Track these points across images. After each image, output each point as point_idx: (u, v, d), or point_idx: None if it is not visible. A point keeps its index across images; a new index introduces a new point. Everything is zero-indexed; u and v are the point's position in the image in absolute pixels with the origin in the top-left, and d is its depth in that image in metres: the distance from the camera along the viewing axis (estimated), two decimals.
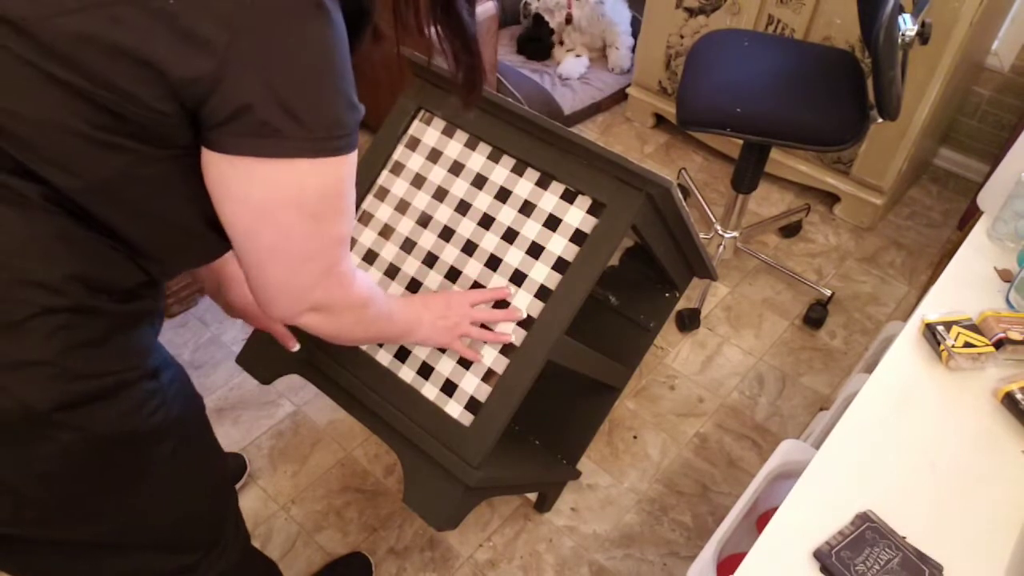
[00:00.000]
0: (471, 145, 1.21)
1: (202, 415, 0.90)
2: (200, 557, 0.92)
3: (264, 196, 0.66)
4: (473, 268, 1.17)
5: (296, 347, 1.13)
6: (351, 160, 0.69)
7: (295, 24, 0.61)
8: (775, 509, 0.93)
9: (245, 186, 0.66)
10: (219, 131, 0.63)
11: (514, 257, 1.15)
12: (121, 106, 0.60)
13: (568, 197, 1.14)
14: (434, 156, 1.24)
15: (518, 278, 1.14)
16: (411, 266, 1.20)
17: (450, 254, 1.19)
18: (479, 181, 1.20)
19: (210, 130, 0.63)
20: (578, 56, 2.73)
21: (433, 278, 1.18)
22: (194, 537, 0.91)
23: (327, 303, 0.79)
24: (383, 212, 1.25)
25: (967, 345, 1.09)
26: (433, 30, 0.74)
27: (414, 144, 1.25)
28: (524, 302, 1.12)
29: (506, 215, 1.17)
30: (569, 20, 2.73)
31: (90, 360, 0.68)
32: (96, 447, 0.71)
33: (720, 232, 2.12)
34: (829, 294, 2.06)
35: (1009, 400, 1.04)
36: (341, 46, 0.65)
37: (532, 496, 1.62)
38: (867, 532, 0.89)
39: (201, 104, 0.61)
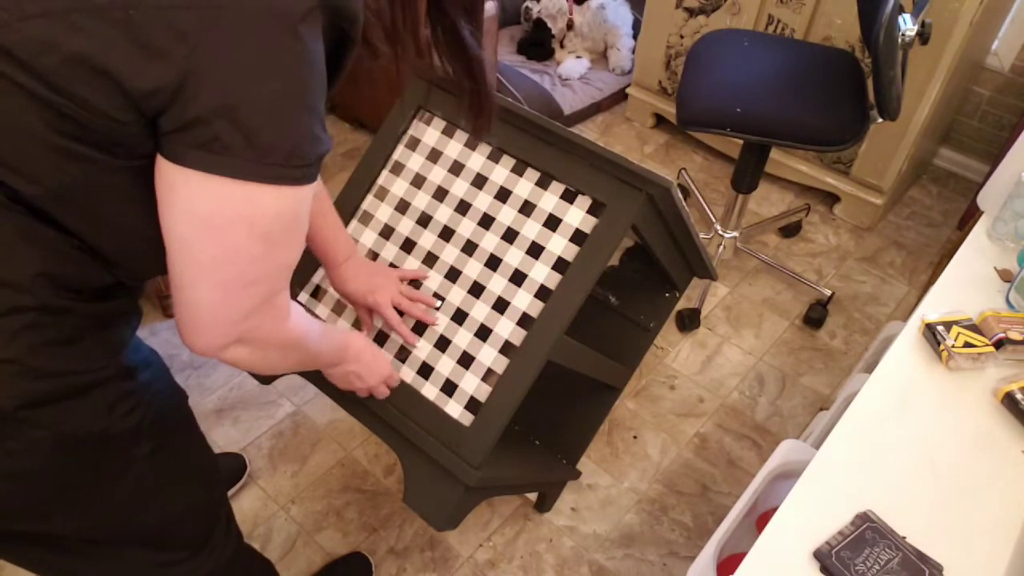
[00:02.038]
0: (471, 145, 1.21)
1: (185, 415, 0.89)
2: (188, 555, 0.92)
3: (211, 211, 0.64)
4: (473, 268, 1.17)
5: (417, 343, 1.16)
6: (306, 192, 0.67)
7: (264, 47, 0.59)
8: (775, 509, 0.93)
9: (192, 199, 0.63)
10: (172, 138, 0.62)
11: (514, 257, 1.15)
12: (81, 114, 0.60)
13: (568, 197, 1.14)
14: (434, 156, 1.24)
15: (518, 278, 1.14)
16: (411, 266, 1.20)
17: (450, 254, 1.19)
18: (479, 181, 1.20)
19: (164, 136, 0.62)
20: (579, 58, 2.73)
21: (433, 278, 1.18)
22: (181, 535, 0.91)
23: (257, 336, 0.74)
24: (383, 212, 1.25)
25: (967, 345, 1.08)
26: (434, 53, 0.72)
27: (414, 144, 1.25)
28: (524, 302, 1.12)
29: (506, 215, 1.17)
30: (570, 26, 2.73)
31: (57, 359, 0.68)
32: (66, 446, 0.71)
33: (720, 232, 2.12)
34: (829, 294, 2.06)
35: (1009, 400, 1.04)
36: (313, 76, 0.63)
37: (532, 496, 1.62)
38: (867, 532, 0.89)
39: (160, 113, 0.61)
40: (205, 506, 0.95)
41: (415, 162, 1.25)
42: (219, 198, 0.63)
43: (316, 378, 1.23)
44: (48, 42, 0.57)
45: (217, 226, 0.64)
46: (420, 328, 1.17)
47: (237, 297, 0.70)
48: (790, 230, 2.30)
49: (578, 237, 1.12)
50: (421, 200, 1.23)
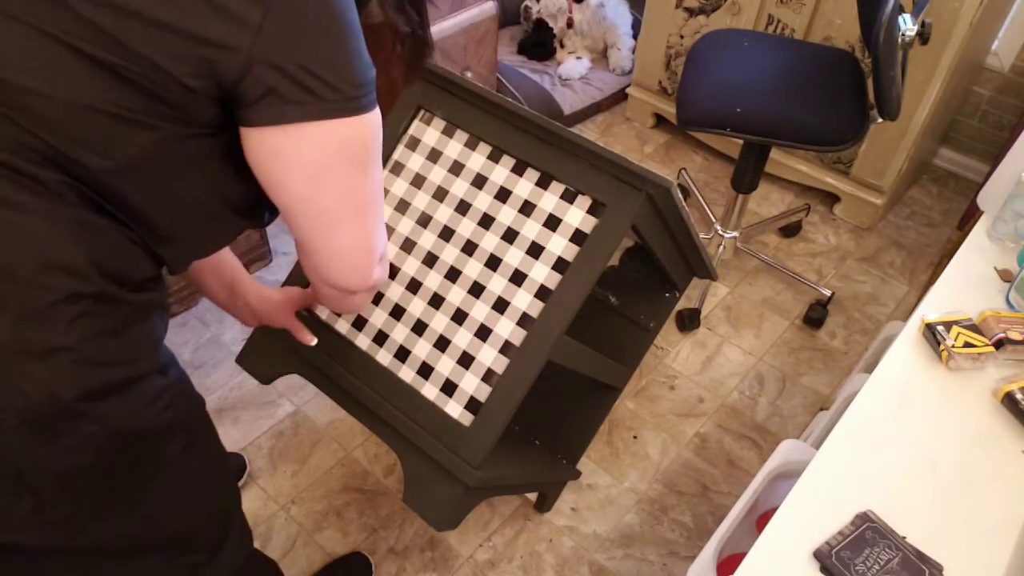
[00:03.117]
0: (471, 145, 1.21)
1: (205, 415, 0.90)
2: (207, 557, 0.92)
3: (318, 157, 0.70)
4: (473, 268, 1.17)
5: (313, 341, 1.14)
6: (377, 113, 0.73)
7: None
8: (775, 509, 0.93)
9: (297, 151, 0.69)
10: (262, 104, 0.66)
11: (514, 257, 1.15)
12: (151, 81, 0.62)
13: (568, 197, 1.14)
14: (434, 156, 1.23)
15: (518, 278, 1.14)
16: (411, 266, 1.20)
17: (450, 254, 1.19)
18: (479, 181, 1.20)
19: (251, 106, 0.66)
20: (579, 59, 2.73)
21: (433, 278, 1.18)
22: (202, 537, 0.91)
23: (384, 245, 0.84)
24: (383, 212, 1.25)
25: (967, 345, 1.08)
26: None
27: (414, 144, 1.25)
28: (524, 302, 1.12)
29: (506, 215, 1.17)
30: (570, 24, 2.73)
31: (108, 349, 0.69)
32: (115, 442, 0.71)
33: (720, 232, 2.12)
34: (829, 294, 2.06)
35: (1009, 400, 1.04)
36: (353, 8, 0.68)
37: (532, 496, 1.62)
38: (867, 532, 0.89)
39: (238, 80, 0.64)
40: (225, 509, 0.96)
41: (415, 162, 1.25)
42: (318, 144, 0.69)
43: (316, 378, 1.23)
44: (132, 11, 0.59)
45: (326, 168, 0.71)
46: (420, 328, 1.17)
47: (368, 223, 0.78)
48: (790, 230, 2.30)
49: (578, 237, 1.12)
50: (421, 200, 1.23)
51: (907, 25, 1.49)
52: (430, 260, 1.19)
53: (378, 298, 1.21)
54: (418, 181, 1.24)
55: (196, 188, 0.72)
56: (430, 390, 1.14)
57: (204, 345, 1.88)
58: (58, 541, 0.74)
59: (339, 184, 0.73)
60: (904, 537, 0.89)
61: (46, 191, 0.64)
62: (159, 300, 0.78)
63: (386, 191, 1.25)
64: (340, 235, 0.77)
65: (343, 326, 1.22)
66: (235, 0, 0.61)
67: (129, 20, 0.59)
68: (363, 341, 1.19)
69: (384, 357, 1.18)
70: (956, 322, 1.11)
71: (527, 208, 1.16)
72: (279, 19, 0.62)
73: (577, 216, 1.13)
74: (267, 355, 1.25)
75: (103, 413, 0.69)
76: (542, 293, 1.12)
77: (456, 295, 1.16)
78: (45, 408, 0.65)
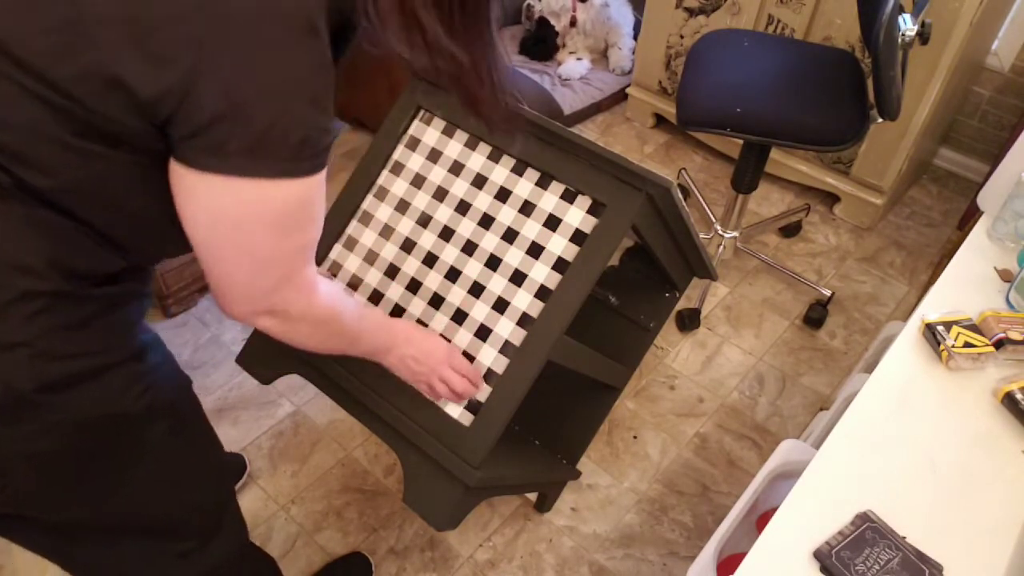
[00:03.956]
0: (471, 145, 1.21)
1: (193, 399, 0.90)
2: (198, 544, 0.92)
3: (225, 207, 0.67)
4: (473, 268, 1.17)
5: None
6: (318, 178, 0.69)
7: (269, 51, 0.61)
8: (775, 509, 0.93)
9: (207, 198, 0.67)
10: (185, 144, 0.64)
11: (514, 257, 1.15)
12: (92, 118, 0.62)
13: (568, 197, 1.14)
14: (434, 156, 1.23)
15: (518, 278, 1.14)
16: (411, 266, 1.20)
17: (450, 254, 1.19)
18: (479, 181, 1.20)
19: (177, 142, 0.64)
20: (579, 59, 2.73)
21: (433, 278, 1.18)
22: (191, 523, 0.91)
23: (284, 309, 0.78)
24: (383, 212, 1.25)
25: (967, 345, 1.08)
26: (438, 34, 0.67)
27: (414, 144, 1.25)
28: (524, 302, 1.12)
29: (506, 215, 1.17)
30: (573, 23, 2.73)
31: (71, 341, 0.69)
32: (84, 428, 0.72)
33: (720, 232, 2.12)
34: (829, 294, 2.06)
35: (1009, 400, 1.04)
36: (322, 70, 0.65)
37: (532, 496, 1.62)
38: (867, 532, 0.89)
39: (168, 119, 0.62)
40: (216, 494, 0.96)
41: (415, 162, 1.25)
42: (231, 195, 0.66)
43: (316, 378, 1.23)
44: (61, 54, 0.59)
45: (232, 220, 0.68)
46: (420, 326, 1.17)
47: (257, 277, 0.74)
48: (790, 230, 2.30)
49: (578, 237, 1.12)
50: (421, 200, 1.23)
51: (907, 25, 1.49)
52: (430, 260, 1.19)
53: (378, 298, 1.21)
54: (418, 181, 1.24)
55: (148, 205, 0.71)
56: None
57: (204, 345, 1.88)
58: (41, 515, 0.76)
59: (242, 237, 0.69)
60: (904, 537, 0.89)
61: (1, 192, 0.64)
62: (135, 289, 0.78)
63: (386, 191, 1.25)
64: (230, 273, 0.73)
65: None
66: (167, 44, 0.59)
67: (61, 65, 0.59)
68: None
69: None
70: (956, 322, 1.11)
71: (527, 208, 1.16)
72: (215, 66, 0.60)
73: (577, 216, 1.13)
74: (267, 355, 1.25)
75: (66, 402, 0.69)
76: (542, 293, 1.12)
77: (456, 295, 1.16)
78: (2, 398, 0.66)
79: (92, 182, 0.67)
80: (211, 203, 0.67)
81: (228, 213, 0.67)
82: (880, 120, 1.65)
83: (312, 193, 0.70)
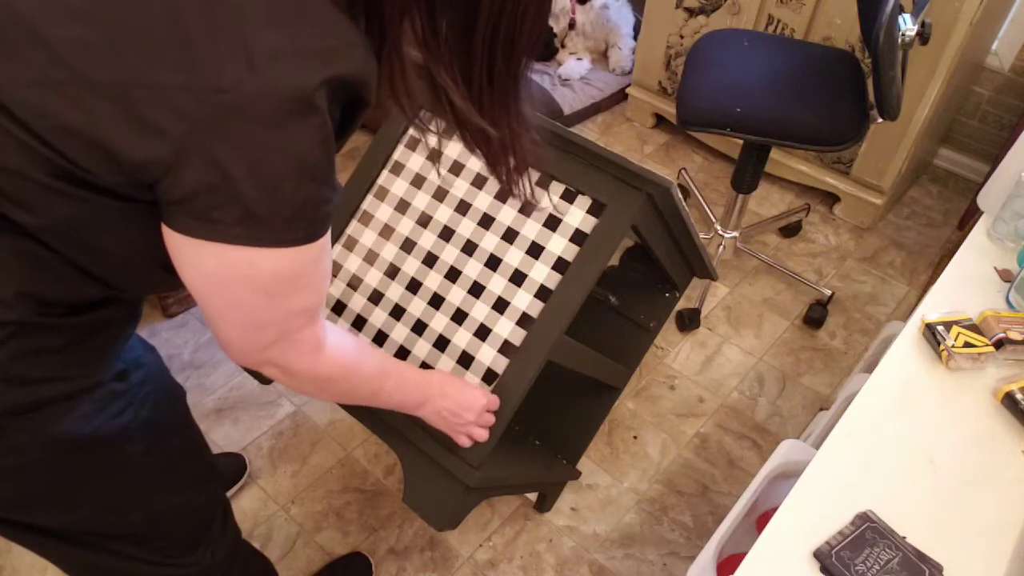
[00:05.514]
0: None
1: (180, 413, 0.90)
2: (186, 551, 0.93)
3: (214, 271, 0.65)
4: (473, 268, 1.17)
5: None
6: (315, 246, 0.67)
7: (264, 130, 0.58)
8: (775, 509, 0.93)
9: (195, 259, 0.65)
10: (172, 209, 0.62)
11: (514, 257, 1.15)
12: (76, 169, 0.60)
13: (568, 197, 1.14)
14: (434, 156, 1.23)
15: (518, 278, 1.14)
16: (411, 266, 1.20)
17: (450, 254, 1.19)
18: (479, 181, 1.20)
19: (164, 204, 0.62)
20: (580, 59, 2.73)
21: (433, 278, 1.18)
22: (175, 533, 0.91)
23: (283, 364, 0.77)
24: (383, 212, 1.25)
25: (967, 345, 1.08)
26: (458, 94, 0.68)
27: (414, 144, 1.25)
28: (524, 302, 1.12)
29: (506, 215, 1.17)
30: (572, 25, 2.72)
31: (44, 367, 0.69)
32: (54, 447, 0.72)
33: (720, 232, 2.12)
34: (829, 294, 2.06)
35: (1009, 400, 1.04)
36: (322, 145, 0.62)
37: (532, 496, 1.62)
38: (867, 532, 0.89)
39: (155, 183, 0.60)
40: (200, 504, 0.95)
41: (415, 162, 1.25)
42: (219, 260, 0.64)
43: None
44: (43, 111, 0.57)
45: (222, 282, 0.66)
46: (420, 328, 1.17)
47: (251, 334, 0.72)
48: (790, 230, 2.30)
49: (578, 237, 1.12)
50: (421, 200, 1.23)
51: (907, 25, 1.49)
52: (430, 260, 1.20)
53: (378, 298, 1.21)
54: (418, 181, 1.24)
55: (132, 247, 0.69)
56: None
57: (204, 345, 1.88)
58: (19, 519, 0.77)
59: (232, 299, 0.68)
60: (904, 537, 0.89)
61: None
62: (119, 314, 0.76)
63: (386, 191, 1.25)
64: (225, 327, 0.72)
65: (343, 326, 1.22)
66: (156, 113, 0.56)
67: (41, 119, 0.58)
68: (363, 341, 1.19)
69: None
70: (956, 322, 1.11)
71: (527, 208, 1.16)
72: (205, 140, 0.57)
73: (577, 216, 1.13)
74: None
75: (34, 424, 0.69)
76: (542, 293, 1.12)
77: (456, 295, 1.16)
78: None
79: (75, 223, 0.65)
80: (199, 265, 0.65)
81: (216, 275, 0.66)
82: (880, 120, 1.65)
83: (306, 261, 0.68)
